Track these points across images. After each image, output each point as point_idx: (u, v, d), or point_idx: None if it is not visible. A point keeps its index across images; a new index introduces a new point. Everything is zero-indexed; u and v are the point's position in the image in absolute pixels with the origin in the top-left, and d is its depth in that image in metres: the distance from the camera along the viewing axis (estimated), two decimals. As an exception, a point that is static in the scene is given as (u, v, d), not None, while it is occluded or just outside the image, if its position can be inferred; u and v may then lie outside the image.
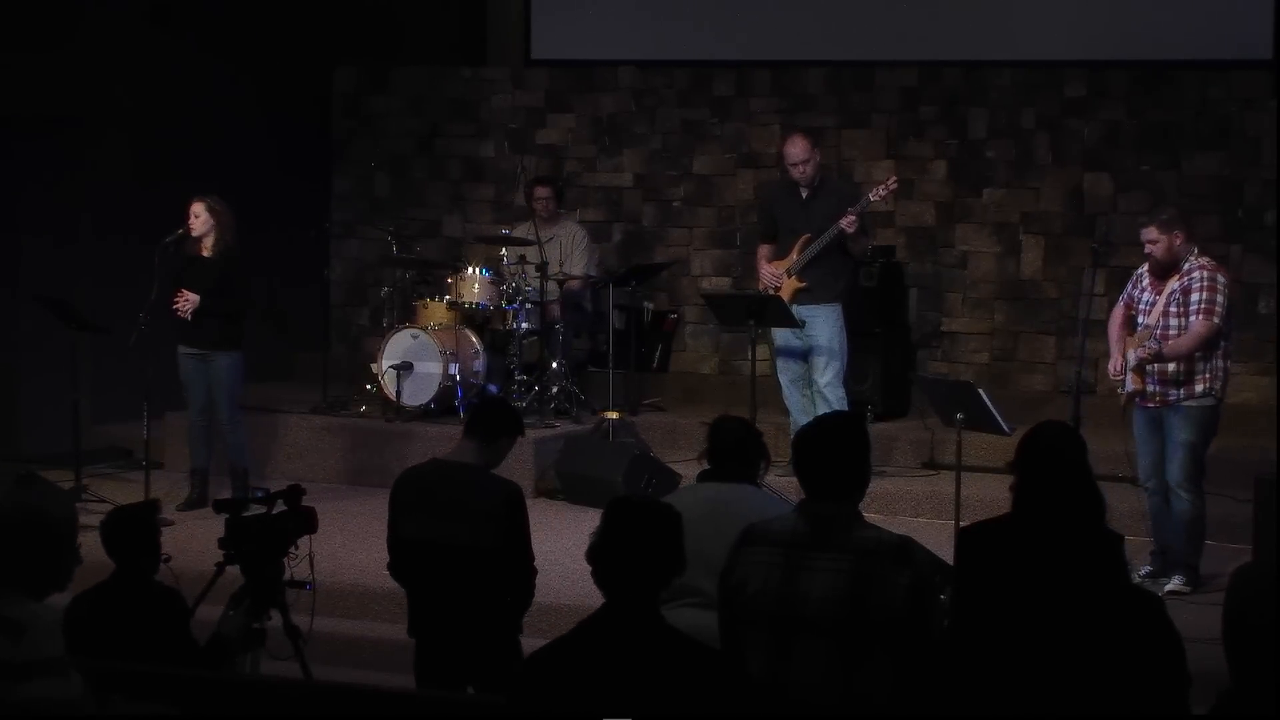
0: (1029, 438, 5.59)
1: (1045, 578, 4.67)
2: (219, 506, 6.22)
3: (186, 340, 10.29)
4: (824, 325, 10.25)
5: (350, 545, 9.40)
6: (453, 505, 6.46)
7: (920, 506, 10.14)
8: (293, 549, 6.18)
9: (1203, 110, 11.64)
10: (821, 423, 5.33)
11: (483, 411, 6.83)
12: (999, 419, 8.41)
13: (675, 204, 12.88)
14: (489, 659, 6.38)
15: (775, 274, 10.32)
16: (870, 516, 5.06)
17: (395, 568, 6.73)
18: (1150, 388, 8.62)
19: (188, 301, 10.15)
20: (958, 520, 8.17)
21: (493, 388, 11.44)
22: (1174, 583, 8.61)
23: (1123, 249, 11.20)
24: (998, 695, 4.66)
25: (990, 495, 9.21)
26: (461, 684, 6.37)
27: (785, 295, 10.20)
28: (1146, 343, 8.52)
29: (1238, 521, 8.91)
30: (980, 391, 8.66)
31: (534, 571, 6.61)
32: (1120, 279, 11.52)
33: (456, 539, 6.40)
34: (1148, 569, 8.78)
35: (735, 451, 6.06)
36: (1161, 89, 11.74)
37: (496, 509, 6.45)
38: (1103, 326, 11.01)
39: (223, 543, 6.09)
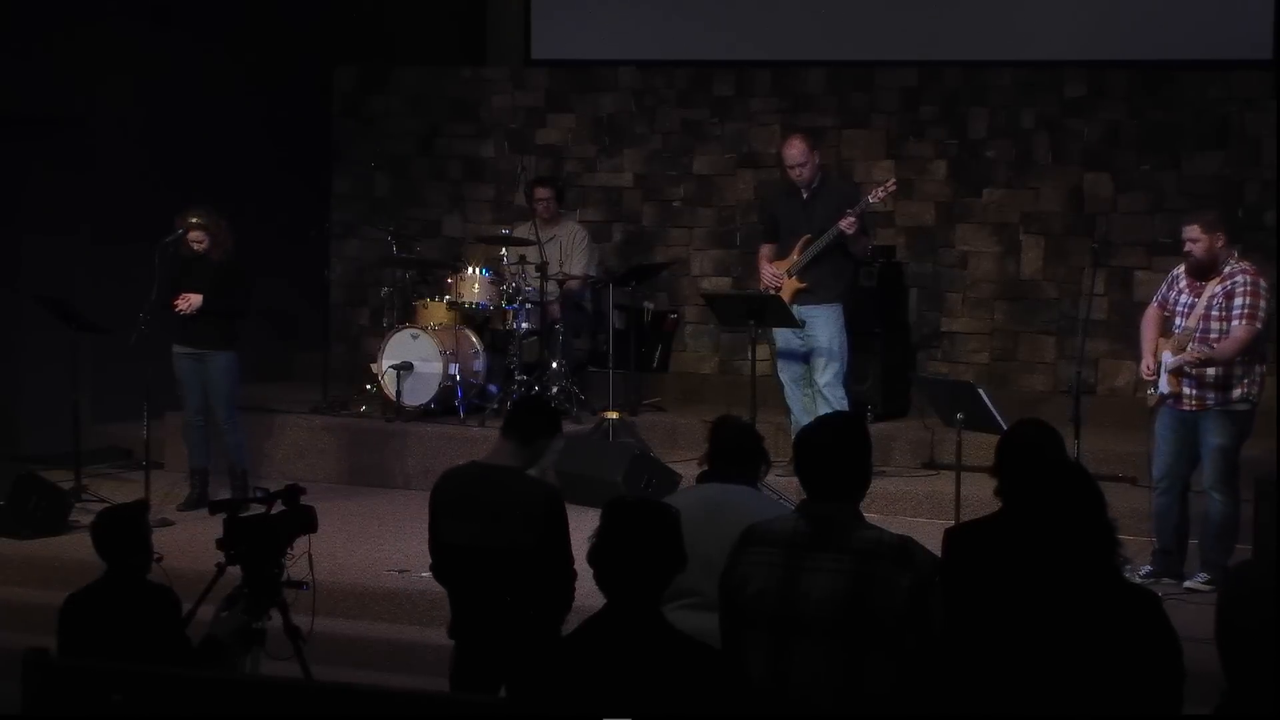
0: (1007, 439, 5.64)
1: (1036, 576, 4.66)
2: (215, 507, 6.21)
3: (181, 340, 10.29)
4: (824, 325, 10.24)
5: (350, 545, 9.40)
6: (491, 507, 6.36)
7: (920, 506, 10.12)
8: (290, 549, 6.17)
9: (1203, 110, 11.63)
10: (822, 423, 5.33)
11: (520, 412, 6.67)
12: (999, 419, 8.40)
13: (675, 204, 12.87)
14: (526, 663, 6.31)
15: (776, 274, 10.32)
16: (870, 516, 5.06)
17: (437, 570, 6.66)
18: (1187, 391, 8.56)
19: (188, 302, 10.15)
20: (958, 520, 8.15)
21: (493, 388, 11.44)
22: (1195, 580, 8.59)
23: (1122, 249, 11.20)
24: (991, 696, 4.65)
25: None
26: (497, 688, 6.30)
27: (785, 295, 10.19)
28: (1195, 346, 8.44)
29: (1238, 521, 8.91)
30: (980, 391, 8.67)
31: (573, 575, 6.37)
32: (1120, 279, 11.57)
33: (495, 541, 6.32)
34: (1148, 568, 8.76)
35: (736, 452, 6.03)
36: (1161, 89, 11.74)
37: (535, 511, 6.34)
38: (1102, 326, 11.05)
39: (221, 543, 6.09)
